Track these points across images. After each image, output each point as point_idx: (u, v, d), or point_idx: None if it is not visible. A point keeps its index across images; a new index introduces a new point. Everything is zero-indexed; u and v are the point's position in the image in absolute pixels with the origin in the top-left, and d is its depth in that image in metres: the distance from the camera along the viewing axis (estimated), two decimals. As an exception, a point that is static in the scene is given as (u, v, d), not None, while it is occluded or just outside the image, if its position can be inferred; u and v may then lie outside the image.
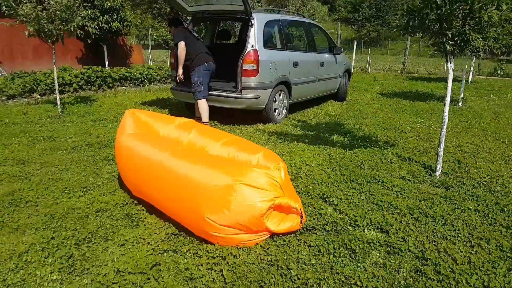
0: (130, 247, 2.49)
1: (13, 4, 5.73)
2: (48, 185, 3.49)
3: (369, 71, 16.90)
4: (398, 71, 16.44)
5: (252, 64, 5.74)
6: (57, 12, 5.82)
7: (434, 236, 2.69)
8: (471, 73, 12.08)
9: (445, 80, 13.20)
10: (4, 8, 5.77)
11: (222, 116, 6.44)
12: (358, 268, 2.31)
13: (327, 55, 7.95)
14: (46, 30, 5.88)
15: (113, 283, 2.11)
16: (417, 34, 3.48)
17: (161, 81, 11.06)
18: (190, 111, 6.84)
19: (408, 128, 5.96)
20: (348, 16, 47.75)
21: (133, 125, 3.34)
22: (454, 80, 6.06)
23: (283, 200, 2.47)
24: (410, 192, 3.43)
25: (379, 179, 3.70)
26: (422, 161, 4.26)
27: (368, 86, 11.34)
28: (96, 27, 10.80)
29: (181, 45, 5.64)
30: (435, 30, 3.28)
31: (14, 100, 7.78)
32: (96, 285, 2.09)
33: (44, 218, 2.87)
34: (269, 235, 2.58)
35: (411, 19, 3.25)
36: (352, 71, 11.22)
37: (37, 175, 3.74)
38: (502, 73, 15.22)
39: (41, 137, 5.09)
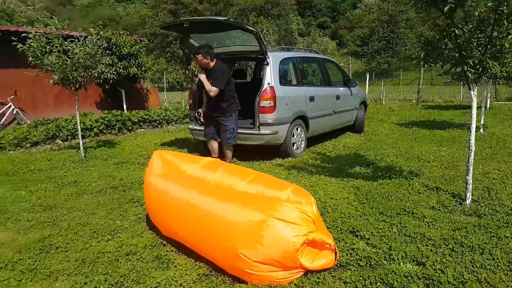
0: (163, 289, 2.46)
1: (39, 55, 6.01)
2: (76, 230, 3.52)
3: (383, 101, 16.93)
4: (413, 101, 16.43)
5: (269, 101, 5.83)
6: (81, 60, 6.08)
7: (472, 266, 2.59)
8: (489, 99, 12.00)
9: (462, 107, 13.15)
10: (30, 58, 6.05)
11: (241, 153, 6.47)
12: (399, 304, 2.23)
13: (342, 88, 8.03)
14: (70, 77, 6.13)
15: (150, 328, 2.07)
16: (437, 64, 3.50)
17: (178, 121, 11.26)
18: (207, 150, 6.91)
19: (431, 157, 5.88)
20: (357, 49, 48.55)
21: (161, 165, 3.40)
22: (472, 106, 5.94)
23: (317, 236, 2.43)
24: (442, 222, 3.34)
25: (409, 210, 3.62)
26: (450, 190, 4.17)
27: (384, 116, 11.33)
28: (114, 72, 11.19)
29: (217, 91, 5.27)
30: (455, 59, 3.31)
31: (38, 147, 7.99)
32: (133, 331, 2.06)
33: (75, 263, 2.87)
34: (303, 273, 2.52)
35: (430, 50, 3.28)
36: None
37: (65, 221, 3.78)
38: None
39: (66, 182, 5.18)
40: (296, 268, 2.45)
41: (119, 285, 2.53)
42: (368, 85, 17.16)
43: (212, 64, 5.30)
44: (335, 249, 2.58)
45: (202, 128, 6.54)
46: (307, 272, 2.54)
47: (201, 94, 5.68)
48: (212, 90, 5.19)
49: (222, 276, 2.59)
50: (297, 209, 2.45)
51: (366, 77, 17.02)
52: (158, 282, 2.54)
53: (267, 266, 2.40)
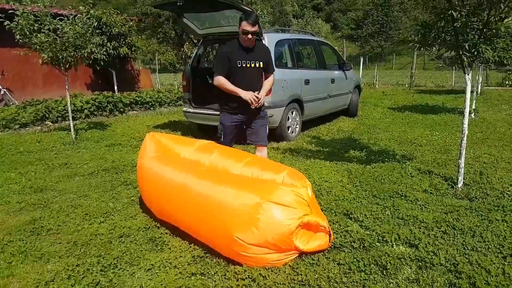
0: (157, 271, 2.45)
1: (27, 33, 5.85)
2: (68, 212, 3.48)
3: (376, 86, 16.92)
4: (406, 85, 16.45)
5: (264, 83, 5.77)
6: (70, 39, 5.93)
7: (464, 248, 2.62)
8: (480, 84, 12.04)
9: (454, 92, 13.20)
10: (18, 36, 5.89)
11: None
12: (391, 285, 2.25)
13: (337, 72, 7.98)
14: (59, 57, 5.98)
15: (144, 309, 2.07)
16: (433, 48, 3.47)
17: (171, 104, 11.14)
18: (202, 132, 6.85)
19: (424, 141, 5.90)
20: (351, 33, 48.27)
21: (154, 148, 3.35)
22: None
23: (311, 218, 2.43)
24: (434, 205, 3.37)
25: (402, 193, 3.64)
26: (443, 174, 4.19)
27: (377, 101, 11.33)
28: (104, 53, 10.98)
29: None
30: (451, 42, 3.28)
31: (27, 128, 7.85)
32: (127, 312, 2.05)
33: (67, 245, 2.85)
34: (297, 254, 2.52)
35: (426, 33, 3.25)
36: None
37: (56, 203, 3.73)
38: (510, 83, 15.13)
39: (57, 164, 5.11)
40: (290, 250, 2.45)
41: (112, 267, 2.51)
42: (362, 69, 17.10)
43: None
44: (329, 231, 2.59)
45: (196, 110, 6.47)
46: (302, 254, 2.55)
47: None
48: (270, 81, 3.80)
49: (217, 258, 2.59)
50: (292, 192, 2.43)
51: (360, 60, 16.94)
52: (152, 264, 2.53)
53: (262, 248, 2.39)
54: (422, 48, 3.41)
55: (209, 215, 2.55)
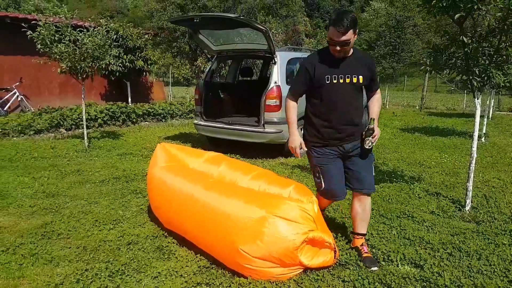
0: (163, 279, 2.50)
1: (48, 43, 6.06)
2: (78, 217, 3.55)
3: (387, 106, 16.95)
4: (417, 107, 16.45)
5: (275, 100, 5.86)
6: (89, 50, 6.12)
7: (470, 271, 2.62)
8: (491, 109, 12.01)
9: (464, 116, 13.15)
10: (39, 46, 6.10)
11: (244, 150, 6.49)
12: (396, 305, 2.26)
13: (347, 91, 8.03)
14: (78, 67, 6.17)
15: (150, 315, 2.11)
16: (443, 72, 3.53)
17: (182, 116, 11.27)
18: (212, 145, 6.94)
19: (433, 163, 5.90)
20: (363, 53, 48.44)
21: (165, 158, 3.42)
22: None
23: (317, 234, 2.46)
24: (441, 227, 3.37)
25: (409, 214, 3.65)
26: (451, 196, 4.19)
27: (387, 121, 11.34)
28: (120, 65, 11.22)
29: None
30: (462, 67, 3.33)
31: (41, 134, 8.01)
32: (133, 317, 2.09)
33: (76, 250, 2.91)
34: (302, 270, 2.55)
35: (438, 56, 3.31)
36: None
37: (67, 208, 3.81)
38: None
39: (69, 171, 5.21)
40: (295, 265, 2.48)
41: (120, 273, 2.56)
42: (373, 89, 17.13)
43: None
44: (334, 248, 2.61)
45: (207, 123, 6.57)
46: (306, 269, 2.57)
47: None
48: (379, 101, 3.02)
49: (222, 269, 2.62)
50: (298, 207, 2.47)
51: (371, 81, 17.00)
52: (158, 272, 2.57)
53: (267, 262, 2.42)
54: (433, 71, 3.47)
55: (215, 226, 2.60)
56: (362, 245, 2.86)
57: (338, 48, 2.54)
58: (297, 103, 2.84)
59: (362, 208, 2.83)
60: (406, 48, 42.55)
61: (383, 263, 2.72)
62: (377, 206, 3.88)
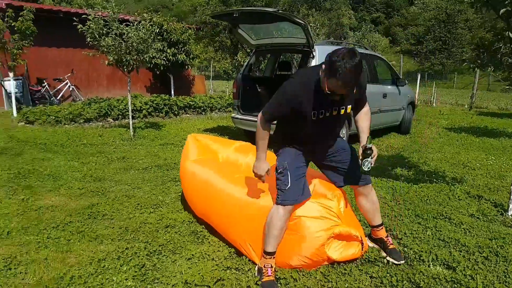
0: (196, 261, 2.63)
1: (97, 36, 6.39)
2: (122, 201, 3.77)
3: (434, 104, 16.36)
4: (466, 106, 15.75)
5: (313, 95, 5.84)
6: (134, 44, 6.39)
7: (505, 276, 2.54)
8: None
9: (517, 116, 12.45)
10: (89, 39, 6.45)
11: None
12: (423, 303, 2.25)
13: (389, 87, 7.88)
14: (123, 60, 6.46)
15: (182, 294, 2.24)
16: (488, 68, 3.41)
17: (221, 109, 11.48)
18: (248, 138, 7.04)
19: (477, 164, 5.68)
20: (410, 48, 46.88)
21: (196, 149, 3.56)
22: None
23: (342, 229, 2.48)
24: (479, 230, 3.28)
25: (446, 216, 3.57)
26: (493, 200, 4.04)
27: (433, 119, 10.98)
28: (164, 58, 11.58)
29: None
30: (508, 64, 3.21)
31: (90, 123, 8.46)
32: (166, 295, 2.23)
33: (119, 230, 3.10)
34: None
35: (481, 53, 3.20)
36: (416, 103, 10.96)
37: (112, 192, 4.05)
38: None
39: (115, 158, 5.50)
40: (324, 261, 2.53)
41: (157, 253, 2.73)
42: (419, 86, 16.60)
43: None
44: (361, 240, 2.62)
45: (244, 117, 6.68)
46: (334, 263, 2.61)
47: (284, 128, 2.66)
48: (368, 116, 2.68)
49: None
50: (318, 205, 2.50)
51: (417, 77, 16.47)
52: (192, 254, 2.71)
53: (296, 261, 2.50)
54: (475, 69, 3.36)
55: (239, 222, 2.71)
56: (387, 236, 2.83)
57: (338, 98, 2.22)
58: (270, 128, 2.49)
59: (370, 202, 2.73)
60: (457, 43, 40.62)
61: (414, 262, 2.70)
62: (414, 206, 3.82)
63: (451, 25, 41.04)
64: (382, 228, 2.85)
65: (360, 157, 2.43)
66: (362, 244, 2.64)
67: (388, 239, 2.82)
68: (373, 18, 57.60)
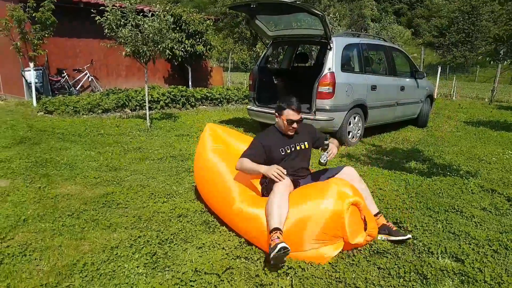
0: (207, 250, 2.69)
1: (114, 27, 6.48)
2: (136, 190, 3.86)
3: (454, 98, 16.04)
4: (486, 100, 15.38)
5: (328, 87, 5.83)
6: (150, 34, 6.45)
7: (514, 270, 2.53)
8: None
9: (540, 110, 12.10)
10: (106, 30, 6.55)
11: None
12: (429, 295, 2.26)
13: (408, 80, 7.78)
14: (140, 51, 6.54)
15: (190, 280, 2.30)
16: (506, 61, 3.34)
17: (238, 101, 11.51)
18: (263, 130, 7.06)
19: (493, 159, 5.58)
20: (433, 40, 45.85)
21: (211, 140, 3.61)
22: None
23: (359, 199, 2.62)
24: (491, 223, 3.25)
25: (458, 209, 3.54)
26: (506, 194, 3.98)
27: (451, 113, 10.78)
28: (182, 49, 11.62)
29: None
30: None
31: (108, 113, 8.60)
32: (176, 281, 2.30)
33: (132, 219, 3.19)
34: (343, 248, 2.65)
35: (499, 46, 3.14)
36: (435, 96, 10.76)
37: (127, 181, 4.15)
38: None
39: (131, 148, 5.61)
40: (340, 237, 2.58)
41: (168, 242, 2.80)
42: (440, 79, 16.28)
43: None
44: (365, 221, 2.68)
45: (259, 109, 6.72)
46: (346, 248, 2.67)
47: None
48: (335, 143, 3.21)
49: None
50: (334, 184, 2.64)
51: (437, 70, 16.15)
52: (203, 243, 2.77)
53: (315, 243, 2.56)
54: (492, 62, 3.30)
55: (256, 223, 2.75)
56: (387, 221, 3.04)
57: (295, 125, 3.00)
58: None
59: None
60: (481, 36, 39.50)
61: (423, 254, 2.70)
62: (426, 199, 3.80)
63: (476, 17, 39.89)
64: (381, 216, 3.02)
65: (321, 151, 3.09)
66: (365, 224, 2.69)
67: (389, 223, 3.00)
68: (396, 10, 56.40)
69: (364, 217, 2.68)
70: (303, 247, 2.58)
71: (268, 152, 3.01)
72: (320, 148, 3.15)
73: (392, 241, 2.86)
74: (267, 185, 2.95)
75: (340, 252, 2.65)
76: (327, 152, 3.01)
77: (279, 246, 2.32)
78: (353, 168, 3.07)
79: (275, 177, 2.68)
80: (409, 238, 2.86)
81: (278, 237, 2.43)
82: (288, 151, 3.06)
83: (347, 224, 2.55)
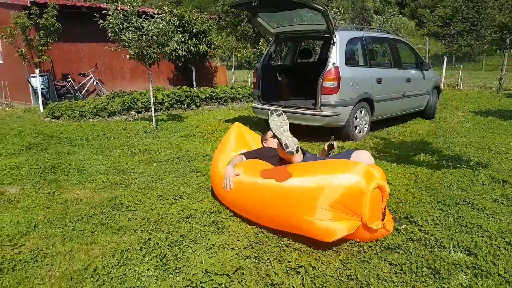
0: (216, 251, 2.68)
1: (117, 31, 6.49)
2: (145, 192, 3.87)
3: (461, 87, 15.88)
4: (494, 88, 15.21)
5: (332, 82, 5.79)
6: (154, 37, 6.45)
7: (528, 261, 2.49)
8: None
9: (550, 97, 11.94)
10: (110, 34, 6.56)
11: (300, 133, 6.51)
12: (442, 289, 2.24)
13: (413, 71, 7.71)
14: (144, 53, 6.54)
15: (201, 282, 2.30)
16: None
17: (242, 99, 11.50)
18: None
19: (504, 148, 5.51)
20: (437, 30, 45.42)
21: (234, 140, 3.71)
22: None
23: (383, 182, 2.65)
24: (503, 215, 3.20)
25: (469, 201, 3.50)
26: (519, 184, 3.93)
27: (459, 103, 10.68)
28: (186, 50, 11.63)
29: None
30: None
31: (114, 116, 8.64)
32: (187, 283, 2.29)
33: (141, 221, 3.19)
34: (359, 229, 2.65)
35: (504, 35, 3.09)
36: (441, 87, 10.66)
37: (135, 184, 4.16)
38: None
39: (138, 150, 5.62)
40: (358, 216, 2.59)
41: (178, 243, 2.79)
42: (446, 69, 16.12)
43: None
44: (384, 211, 2.71)
45: (264, 106, 6.69)
46: (365, 237, 2.70)
47: None
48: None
49: (271, 245, 2.74)
50: (364, 166, 2.66)
51: (443, 60, 15.98)
52: (212, 244, 2.77)
53: (330, 213, 2.56)
54: (498, 50, 3.24)
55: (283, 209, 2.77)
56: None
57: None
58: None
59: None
60: (486, 24, 39.04)
61: (435, 249, 2.67)
62: (436, 192, 3.76)
63: (480, 5, 39.44)
64: None
65: (326, 149, 3.39)
66: (384, 214, 2.72)
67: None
68: (399, 1, 55.93)
69: (385, 207, 2.69)
70: (314, 213, 2.56)
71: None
72: (326, 146, 3.40)
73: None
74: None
75: (350, 249, 2.63)
76: (333, 150, 3.33)
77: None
78: (368, 152, 3.23)
79: (224, 183, 3.17)
80: (405, 228, 2.99)
81: None
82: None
83: (368, 203, 2.56)
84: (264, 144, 3.71)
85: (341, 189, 2.55)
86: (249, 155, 3.44)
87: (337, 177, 2.59)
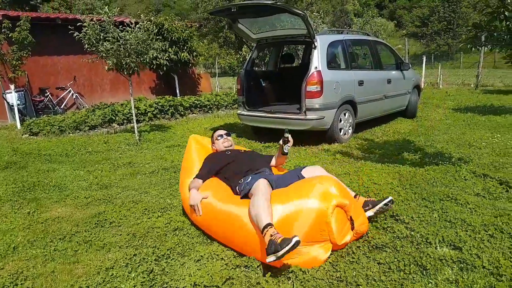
0: (205, 262, 2.64)
1: (94, 42, 6.40)
2: (129, 207, 3.80)
3: (440, 86, 16.17)
4: (472, 85, 15.54)
5: (315, 86, 5.83)
6: (133, 46, 6.38)
7: (510, 252, 2.52)
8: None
9: (526, 91, 12.24)
10: (86, 45, 6.47)
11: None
12: (429, 284, 2.25)
13: (394, 72, 7.82)
14: (123, 63, 6.47)
15: (189, 295, 2.26)
16: (487, 47, 3.36)
17: (227, 107, 11.49)
18: (256, 135, 7.03)
19: (483, 143, 5.62)
20: (416, 30, 46.28)
21: (197, 152, 3.65)
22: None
23: (343, 201, 2.60)
24: (485, 208, 3.24)
25: (452, 197, 3.54)
26: (498, 177, 3.99)
27: (439, 101, 10.87)
28: (167, 58, 11.55)
29: None
30: (507, 41, 3.15)
31: (95, 130, 8.48)
32: (175, 297, 2.25)
33: (126, 237, 3.14)
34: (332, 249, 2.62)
35: (478, 33, 3.16)
36: (422, 86, 10.85)
37: (119, 198, 4.09)
38: None
39: (122, 164, 5.54)
40: (327, 240, 2.55)
41: (165, 257, 2.75)
42: (425, 68, 16.40)
43: None
44: (352, 220, 2.69)
45: (250, 113, 6.69)
46: (337, 250, 2.66)
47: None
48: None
49: (260, 253, 2.72)
50: (319, 185, 2.62)
51: (423, 59, 16.27)
52: (201, 256, 2.73)
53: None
54: (473, 48, 3.31)
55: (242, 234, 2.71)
56: (367, 197, 3.35)
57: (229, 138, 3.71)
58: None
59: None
60: (462, 23, 39.97)
61: (421, 245, 2.69)
62: (420, 190, 3.79)
63: (455, 4, 40.41)
64: (359, 196, 3.16)
65: (281, 143, 3.29)
66: (352, 222, 2.70)
67: (369, 198, 3.28)
68: (378, 2, 56.86)
69: (351, 217, 2.67)
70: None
71: (215, 156, 3.54)
72: (281, 141, 3.32)
73: (380, 210, 3.02)
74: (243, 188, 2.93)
75: (340, 250, 2.63)
76: (288, 143, 3.27)
77: (294, 240, 2.19)
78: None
79: (193, 209, 3.05)
80: (391, 200, 3.06)
81: (277, 233, 2.34)
82: (229, 153, 3.50)
83: (333, 226, 2.54)
84: (213, 147, 3.77)
85: (309, 221, 2.50)
86: (204, 175, 3.32)
87: (300, 206, 2.55)
